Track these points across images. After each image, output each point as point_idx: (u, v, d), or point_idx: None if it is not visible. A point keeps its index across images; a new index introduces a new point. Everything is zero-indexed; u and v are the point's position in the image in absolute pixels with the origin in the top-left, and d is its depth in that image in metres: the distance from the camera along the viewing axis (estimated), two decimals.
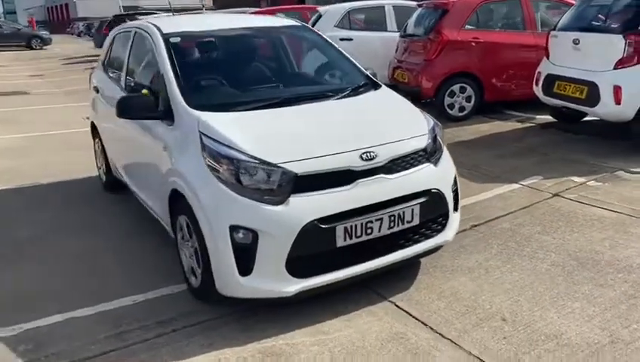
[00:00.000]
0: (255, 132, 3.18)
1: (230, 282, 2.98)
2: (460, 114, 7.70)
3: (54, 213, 4.95)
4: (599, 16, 6.09)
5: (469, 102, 7.71)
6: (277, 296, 2.96)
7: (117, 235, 4.42)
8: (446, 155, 3.55)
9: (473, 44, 7.58)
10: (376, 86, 3.96)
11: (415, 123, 3.49)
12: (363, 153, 3.07)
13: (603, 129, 6.75)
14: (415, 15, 8.48)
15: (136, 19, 20.14)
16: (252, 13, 11.80)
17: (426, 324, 3.07)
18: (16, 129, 8.87)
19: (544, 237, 4.02)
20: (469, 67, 7.60)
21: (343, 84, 3.93)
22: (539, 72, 6.77)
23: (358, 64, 4.23)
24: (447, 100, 7.61)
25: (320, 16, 9.98)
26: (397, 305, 3.27)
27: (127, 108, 3.54)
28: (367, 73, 4.10)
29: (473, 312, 3.15)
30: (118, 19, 23.22)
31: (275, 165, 2.93)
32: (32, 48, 31.18)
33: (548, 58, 6.68)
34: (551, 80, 6.48)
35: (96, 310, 3.32)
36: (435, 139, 3.47)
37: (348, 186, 3.02)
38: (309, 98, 3.62)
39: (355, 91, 3.81)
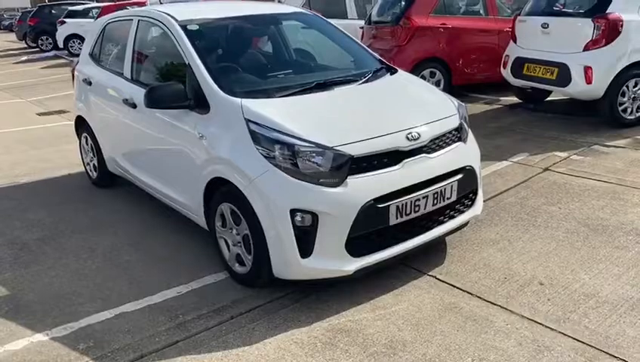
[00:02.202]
0: (302, 117, 3.22)
1: (290, 265, 3.03)
2: None
3: (53, 213, 4.74)
4: (566, 0, 6.49)
5: (439, 86, 7.98)
6: (338, 275, 3.05)
7: (130, 231, 4.31)
8: (470, 134, 3.74)
9: (441, 29, 7.86)
10: (391, 70, 4.08)
11: (444, 103, 3.65)
12: (408, 133, 3.19)
13: (566, 107, 7.23)
14: (380, 2, 8.65)
15: (67, 10, 19.17)
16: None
17: (472, 294, 3.24)
18: None
19: (550, 207, 4.31)
20: (438, 52, 7.87)
21: (362, 68, 4.01)
22: (507, 56, 7.13)
23: (368, 49, 4.34)
24: None
25: None
26: (438, 279, 3.42)
27: (157, 99, 3.47)
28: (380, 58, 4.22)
29: (511, 279, 3.36)
30: (44, 10, 22.12)
31: (331, 148, 2.99)
32: None
33: (515, 42, 7.04)
34: (520, 62, 6.84)
35: (144, 304, 3.27)
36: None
37: (397, 166, 3.13)
38: (338, 82, 3.69)
39: (376, 75, 3.92)
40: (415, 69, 7.78)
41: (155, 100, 3.46)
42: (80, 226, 4.44)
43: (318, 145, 3.00)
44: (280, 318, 3.06)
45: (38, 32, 21.68)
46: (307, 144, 3.00)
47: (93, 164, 5.27)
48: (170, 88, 3.49)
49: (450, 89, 8.12)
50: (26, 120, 8.91)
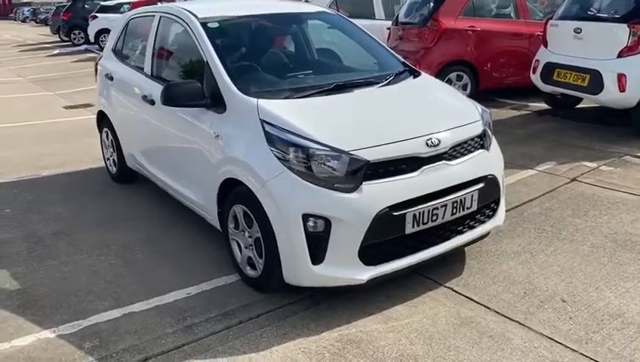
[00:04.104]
0: (319, 119, 3.14)
1: (301, 271, 2.95)
2: None
3: (71, 208, 4.75)
4: (601, 5, 6.27)
5: (465, 90, 7.83)
6: (350, 283, 2.95)
7: (145, 229, 4.28)
8: (494, 141, 3.61)
9: (470, 32, 7.69)
10: (415, 73, 3.97)
11: (467, 109, 3.52)
12: (428, 139, 3.07)
13: (597, 116, 7.00)
14: (408, 3, 8.52)
15: (99, 4, 19.48)
16: None
17: (489, 308, 3.12)
18: None
19: (576, 220, 4.14)
20: (466, 55, 7.71)
21: (384, 70, 3.91)
22: (537, 60, 6.93)
23: (392, 51, 4.23)
24: None
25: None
26: (455, 291, 3.30)
27: (174, 96, 3.42)
28: (403, 60, 4.11)
29: (532, 294, 3.23)
30: (77, 5, 22.47)
31: (346, 152, 2.90)
32: None
33: (546, 47, 6.84)
34: (550, 68, 6.65)
35: (153, 304, 3.23)
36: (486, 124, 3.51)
37: (415, 173, 3.02)
38: (358, 84, 3.59)
39: (398, 78, 3.81)
40: (442, 72, 7.64)
41: (171, 98, 3.42)
42: (96, 222, 4.44)
43: (333, 148, 2.91)
44: (289, 325, 2.99)
45: (71, 26, 22.06)
46: (322, 147, 2.91)
47: (113, 160, 5.27)
48: (187, 86, 3.44)
49: (477, 93, 7.96)
50: (54, 113, 9.03)
